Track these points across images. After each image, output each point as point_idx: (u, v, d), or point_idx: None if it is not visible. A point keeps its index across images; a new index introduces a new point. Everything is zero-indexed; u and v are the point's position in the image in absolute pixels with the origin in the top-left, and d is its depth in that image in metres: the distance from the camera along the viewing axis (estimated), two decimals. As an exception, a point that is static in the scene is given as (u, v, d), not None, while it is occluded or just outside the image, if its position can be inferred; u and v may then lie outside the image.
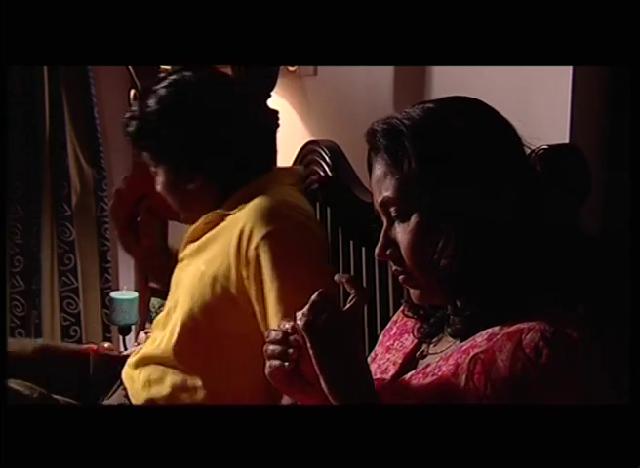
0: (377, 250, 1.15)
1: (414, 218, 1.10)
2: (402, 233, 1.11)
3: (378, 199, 1.14)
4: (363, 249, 1.90)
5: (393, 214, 1.13)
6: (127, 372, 1.82)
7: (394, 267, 1.14)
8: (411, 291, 1.16)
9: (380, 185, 1.13)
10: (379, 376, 1.21)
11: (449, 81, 1.76)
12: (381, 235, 1.14)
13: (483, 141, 1.10)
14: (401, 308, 1.31)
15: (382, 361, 1.25)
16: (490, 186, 1.07)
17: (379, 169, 1.13)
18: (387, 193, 1.12)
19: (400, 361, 1.21)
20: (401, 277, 1.14)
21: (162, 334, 1.74)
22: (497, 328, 1.06)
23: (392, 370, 1.20)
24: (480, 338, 1.06)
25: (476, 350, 1.05)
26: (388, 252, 1.13)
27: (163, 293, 1.88)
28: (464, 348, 1.08)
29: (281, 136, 2.20)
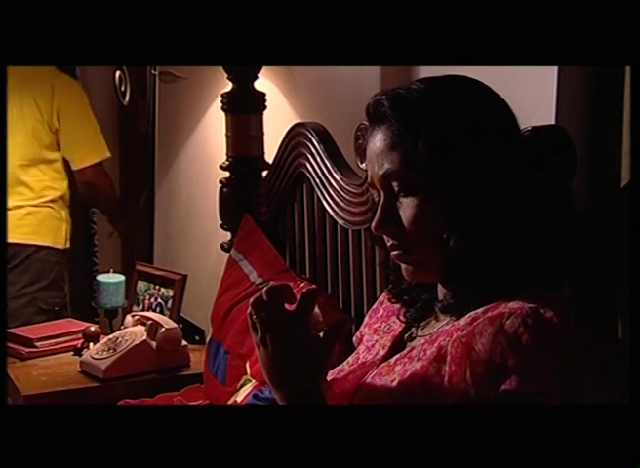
0: (374, 224, 1.12)
1: (421, 193, 1.07)
2: (407, 208, 1.09)
3: (379, 172, 1.10)
4: (349, 230, 1.90)
5: (396, 188, 1.10)
6: None
7: (390, 242, 1.12)
8: (403, 267, 1.14)
9: (383, 158, 1.09)
10: (369, 358, 1.21)
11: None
12: (380, 209, 1.11)
13: (492, 118, 1.09)
14: (386, 291, 1.31)
15: (370, 343, 1.25)
16: (497, 163, 1.07)
17: (382, 140, 1.10)
18: (392, 166, 1.09)
19: (389, 344, 1.21)
20: (396, 252, 1.12)
21: None
22: (480, 310, 1.06)
23: (381, 354, 1.20)
24: (464, 321, 1.06)
25: (458, 333, 1.04)
26: (388, 226, 1.11)
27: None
28: (449, 331, 1.08)
29: (268, 118, 2.20)
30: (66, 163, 2.80)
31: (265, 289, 1.07)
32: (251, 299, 1.07)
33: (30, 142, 2.71)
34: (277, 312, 1.06)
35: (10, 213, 2.68)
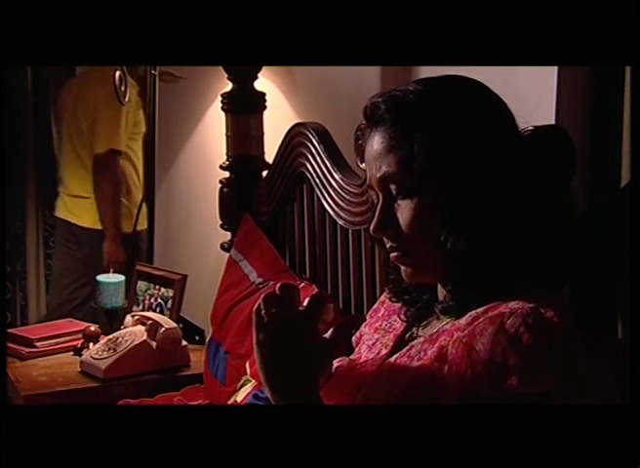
0: (373, 226, 1.12)
1: (419, 195, 1.07)
2: (405, 210, 1.09)
3: (376, 174, 1.10)
4: (349, 230, 1.90)
5: (394, 190, 1.10)
6: None
7: (389, 244, 1.12)
8: (402, 269, 1.14)
9: (380, 160, 1.10)
10: (371, 357, 1.21)
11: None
12: (378, 211, 1.11)
13: (489, 118, 1.09)
14: (387, 290, 1.31)
15: (371, 341, 1.25)
16: (495, 163, 1.07)
17: (379, 143, 1.10)
18: (389, 168, 1.09)
19: (391, 344, 1.21)
20: (395, 254, 1.12)
21: None
22: (480, 310, 1.06)
23: (384, 352, 1.20)
24: (464, 321, 1.06)
25: (459, 333, 1.04)
26: (386, 228, 1.11)
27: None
28: (449, 331, 1.08)
29: (268, 118, 2.20)
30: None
31: (279, 285, 1.07)
32: (262, 295, 1.07)
33: (88, 136, 2.96)
34: (288, 309, 1.06)
35: (81, 200, 3.03)
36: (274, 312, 1.05)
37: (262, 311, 1.05)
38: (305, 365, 1.05)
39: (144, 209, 2.98)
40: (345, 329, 1.09)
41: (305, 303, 1.07)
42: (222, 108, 2.19)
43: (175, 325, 2.24)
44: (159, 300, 2.47)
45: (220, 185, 2.23)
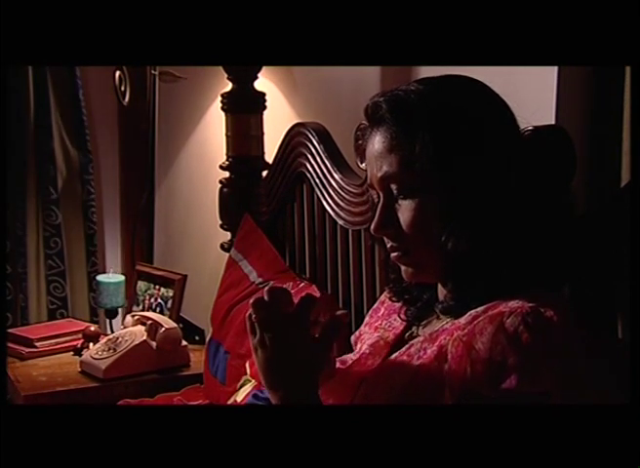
0: (373, 225, 1.12)
1: (420, 195, 1.08)
2: (405, 210, 1.09)
3: (377, 174, 1.11)
4: (349, 230, 1.90)
5: (395, 190, 1.10)
6: None
7: (390, 243, 1.12)
8: (403, 268, 1.14)
9: (382, 160, 1.10)
10: (370, 357, 1.21)
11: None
12: (379, 211, 1.11)
13: (490, 117, 1.09)
14: (387, 289, 1.31)
15: (371, 341, 1.25)
16: (496, 163, 1.07)
17: (381, 143, 1.10)
18: (391, 168, 1.09)
19: (391, 343, 1.21)
20: (395, 254, 1.12)
21: None
22: (480, 309, 1.06)
23: (383, 352, 1.20)
24: (464, 320, 1.06)
25: (459, 332, 1.05)
26: (387, 228, 1.11)
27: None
28: (449, 330, 1.08)
29: (268, 118, 2.20)
30: None
31: (266, 289, 1.07)
32: (251, 300, 1.08)
33: None
34: (276, 312, 1.06)
35: None
36: (263, 317, 1.06)
37: (253, 316, 1.06)
38: (300, 365, 1.06)
39: None
40: (332, 327, 1.09)
41: (295, 305, 1.07)
42: (222, 108, 2.19)
43: (175, 325, 2.24)
44: (159, 300, 2.48)
45: (220, 185, 2.23)
